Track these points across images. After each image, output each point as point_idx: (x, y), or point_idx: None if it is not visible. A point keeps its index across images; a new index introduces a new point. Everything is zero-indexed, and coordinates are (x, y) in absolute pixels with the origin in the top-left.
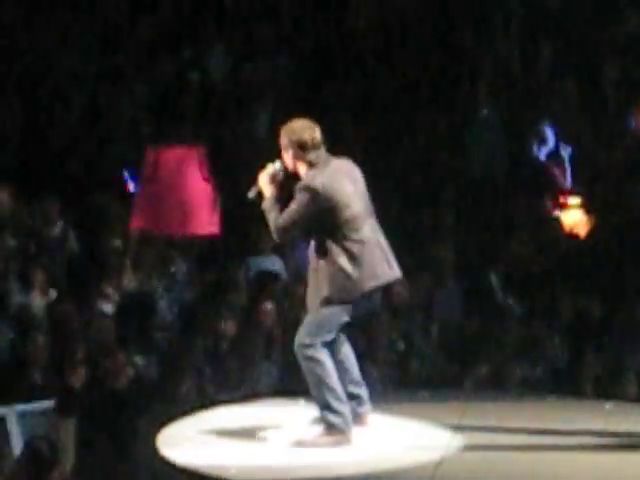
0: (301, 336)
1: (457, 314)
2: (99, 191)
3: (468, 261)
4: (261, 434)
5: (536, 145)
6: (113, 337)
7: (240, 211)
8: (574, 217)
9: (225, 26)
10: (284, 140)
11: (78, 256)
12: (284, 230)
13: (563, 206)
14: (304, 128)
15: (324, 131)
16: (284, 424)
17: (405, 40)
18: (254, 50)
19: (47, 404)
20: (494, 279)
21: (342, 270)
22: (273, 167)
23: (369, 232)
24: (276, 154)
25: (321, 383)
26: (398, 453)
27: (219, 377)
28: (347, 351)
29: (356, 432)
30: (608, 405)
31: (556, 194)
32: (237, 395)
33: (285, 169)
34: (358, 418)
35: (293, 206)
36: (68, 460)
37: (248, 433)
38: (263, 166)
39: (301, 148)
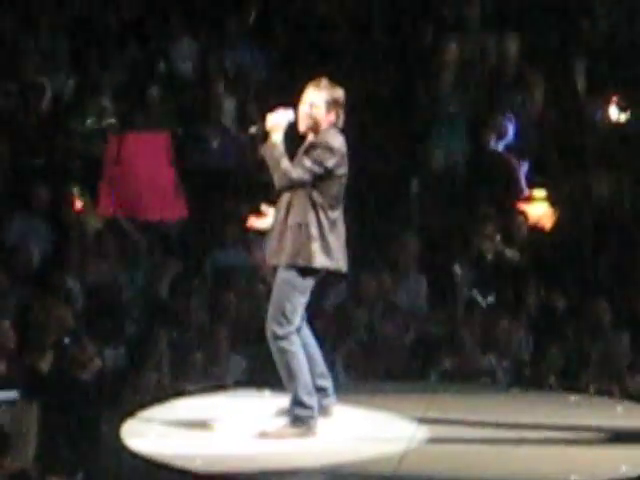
0: (273, 327)
1: (422, 305)
2: (66, 182)
3: (432, 253)
4: (225, 425)
5: (494, 138)
6: (72, 326)
7: (206, 201)
8: (539, 210)
9: (192, 16)
10: (317, 95)
11: (44, 246)
12: (294, 182)
13: (528, 199)
14: (338, 88)
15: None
16: (249, 415)
17: (371, 30)
18: (222, 39)
19: (12, 394)
20: (458, 271)
21: (309, 237)
22: (287, 115)
23: (340, 218)
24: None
25: (293, 376)
26: (362, 444)
27: (185, 368)
28: (313, 343)
29: (321, 423)
30: (572, 397)
31: (518, 187)
32: (202, 386)
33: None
34: (323, 410)
35: (308, 162)
36: (30, 445)
37: (213, 424)
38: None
39: (334, 105)
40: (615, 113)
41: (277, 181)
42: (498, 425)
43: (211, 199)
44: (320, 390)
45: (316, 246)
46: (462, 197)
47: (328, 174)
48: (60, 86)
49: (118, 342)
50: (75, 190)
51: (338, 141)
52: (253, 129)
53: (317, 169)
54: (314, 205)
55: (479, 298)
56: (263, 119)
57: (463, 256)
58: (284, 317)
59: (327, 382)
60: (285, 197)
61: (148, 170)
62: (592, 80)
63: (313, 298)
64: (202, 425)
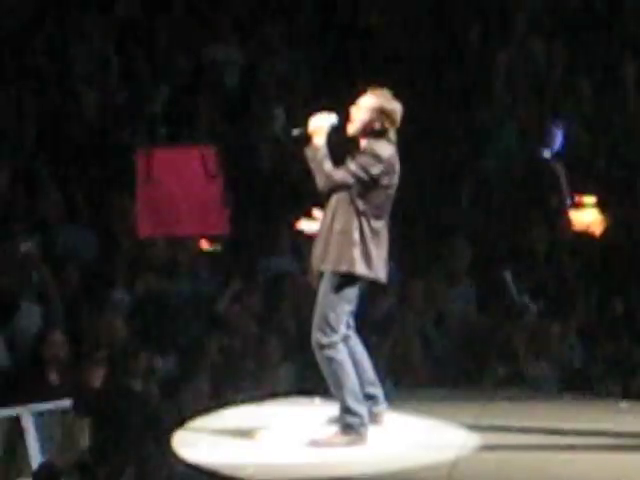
0: (318, 336)
1: (471, 312)
2: (117, 192)
3: (483, 259)
4: (275, 434)
5: (545, 145)
6: (125, 337)
7: (257, 210)
8: (589, 216)
9: (238, 25)
10: (371, 102)
11: (92, 257)
12: (336, 184)
13: (578, 205)
14: (396, 102)
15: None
16: (299, 424)
17: (417, 38)
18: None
19: (63, 404)
20: (508, 277)
21: (351, 243)
22: (330, 118)
23: (384, 228)
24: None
25: (340, 384)
26: (413, 452)
27: (236, 377)
28: (362, 351)
29: (372, 431)
30: (623, 404)
31: (569, 193)
32: (253, 395)
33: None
34: (374, 417)
35: (353, 166)
36: (80, 456)
37: (263, 433)
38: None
39: (381, 114)
40: None
41: (319, 183)
42: (549, 432)
43: (263, 206)
44: (370, 398)
45: (357, 253)
46: (511, 204)
47: (373, 182)
48: (110, 96)
49: (170, 352)
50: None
51: (387, 151)
52: (296, 131)
53: (361, 174)
54: (358, 213)
55: (530, 304)
56: (306, 122)
57: (513, 262)
58: (328, 325)
59: (377, 390)
60: (331, 204)
61: (183, 186)
62: None
63: (361, 307)
64: (253, 434)
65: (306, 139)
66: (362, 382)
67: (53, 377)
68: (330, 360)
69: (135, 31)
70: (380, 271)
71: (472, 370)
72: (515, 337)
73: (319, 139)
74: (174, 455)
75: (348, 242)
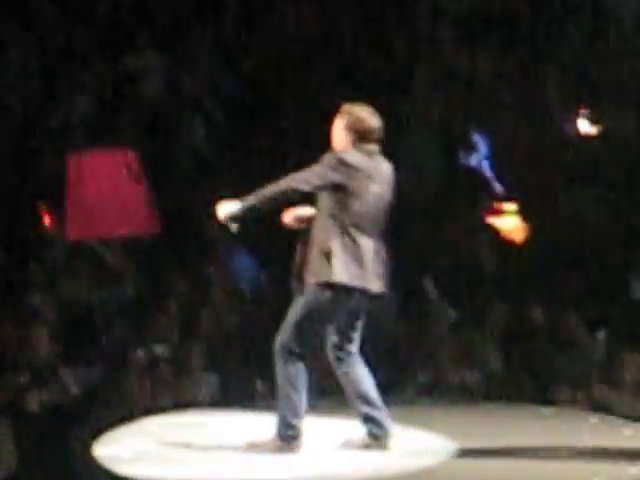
0: (279, 340)
1: (391, 319)
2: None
3: (402, 267)
4: (204, 442)
5: (466, 153)
6: (48, 351)
7: (177, 216)
8: (510, 223)
9: (160, 35)
10: (342, 123)
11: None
12: (289, 193)
13: (499, 212)
14: (369, 116)
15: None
16: (224, 433)
17: (342, 45)
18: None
19: None
20: (428, 284)
21: (329, 254)
22: (230, 206)
23: (370, 240)
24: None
25: (285, 393)
26: (395, 460)
27: (157, 385)
28: (361, 372)
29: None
30: (546, 410)
31: (490, 201)
32: (173, 404)
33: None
34: (376, 441)
35: (309, 171)
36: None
37: (187, 442)
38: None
39: (352, 130)
40: (585, 126)
41: (275, 200)
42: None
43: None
44: (368, 419)
45: (335, 262)
46: (431, 212)
47: (338, 188)
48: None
49: (94, 363)
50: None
51: (354, 158)
52: (234, 227)
53: (316, 176)
54: (335, 223)
55: (450, 311)
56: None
57: (433, 270)
58: (292, 334)
59: (376, 412)
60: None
61: (111, 188)
62: (563, 93)
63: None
64: (176, 443)
65: (239, 219)
66: (355, 402)
67: None
68: (284, 367)
69: (55, 39)
70: (370, 282)
71: (393, 377)
72: (435, 344)
73: (227, 208)
74: (96, 465)
75: (326, 253)
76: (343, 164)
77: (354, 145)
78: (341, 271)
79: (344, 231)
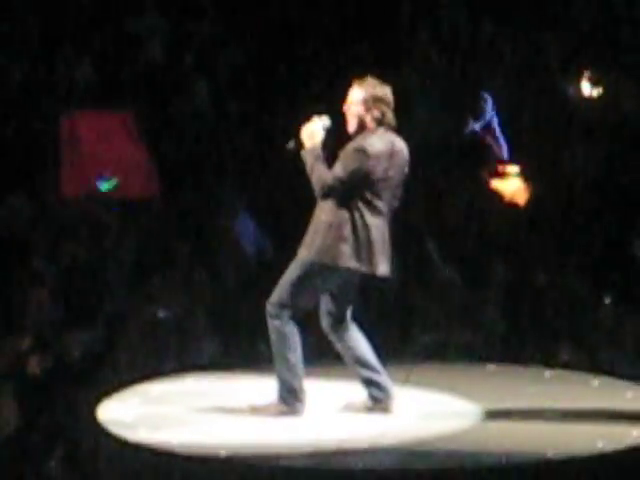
0: (273, 302)
1: (394, 282)
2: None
3: (405, 231)
4: (218, 407)
5: (472, 116)
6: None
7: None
8: (513, 186)
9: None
10: (361, 94)
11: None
12: (329, 191)
13: (502, 175)
14: (384, 86)
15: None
16: (228, 396)
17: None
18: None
19: None
20: (432, 247)
21: (339, 237)
22: (321, 122)
23: (381, 222)
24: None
25: (282, 356)
26: (423, 423)
27: (159, 349)
28: (356, 335)
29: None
30: (547, 373)
31: (494, 163)
32: (176, 368)
33: (329, 130)
34: (379, 404)
35: (339, 170)
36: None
37: (204, 409)
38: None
39: (375, 103)
40: (587, 88)
41: (315, 189)
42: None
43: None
44: (370, 383)
45: (346, 247)
46: (438, 174)
47: (364, 172)
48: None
49: (96, 325)
50: None
51: (376, 146)
52: (290, 144)
53: (347, 177)
54: (347, 205)
55: (453, 274)
56: (298, 132)
57: (436, 233)
58: (283, 299)
59: (378, 376)
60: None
61: (107, 148)
62: (564, 55)
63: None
64: (178, 408)
65: (299, 147)
66: (355, 366)
67: None
68: (276, 330)
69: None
70: (378, 265)
71: (395, 339)
72: (438, 306)
73: (311, 143)
74: (99, 427)
75: (337, 236)
76: (367, 154)
77: (376, 122)
78: (349, 257)
79: (357, 211)
